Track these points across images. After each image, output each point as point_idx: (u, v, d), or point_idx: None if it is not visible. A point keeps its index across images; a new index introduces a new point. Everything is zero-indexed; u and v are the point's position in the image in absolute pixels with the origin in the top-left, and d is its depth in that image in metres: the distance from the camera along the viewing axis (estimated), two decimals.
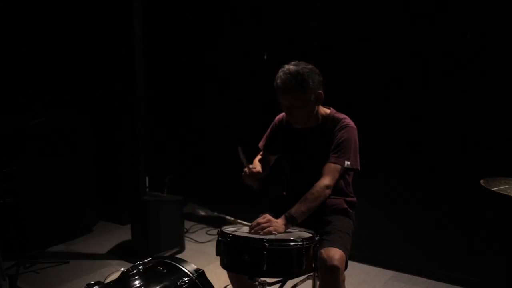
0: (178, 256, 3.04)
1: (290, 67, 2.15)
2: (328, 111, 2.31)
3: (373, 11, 3.33)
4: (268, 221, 2.04)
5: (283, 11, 3.75)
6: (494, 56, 2.94)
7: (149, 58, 4.07)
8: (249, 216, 2.21)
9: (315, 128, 2.29)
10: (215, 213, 2.24)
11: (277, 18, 3.78)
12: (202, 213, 2.34)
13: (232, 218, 2.21)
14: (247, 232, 2.04)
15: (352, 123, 2.25)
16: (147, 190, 3.87)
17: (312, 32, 3.59)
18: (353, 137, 2.22)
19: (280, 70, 2.16)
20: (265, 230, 2.00)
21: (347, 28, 3.45)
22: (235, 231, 2.07)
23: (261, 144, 2.53)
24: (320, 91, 2.19)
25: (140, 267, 1.86)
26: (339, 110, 2.34)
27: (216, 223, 2.16)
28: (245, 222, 2.13)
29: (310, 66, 2.17)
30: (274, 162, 2.55)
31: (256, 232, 2.01)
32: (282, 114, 2.43)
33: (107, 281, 1.85)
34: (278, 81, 2.15)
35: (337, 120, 2.25)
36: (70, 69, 4.21)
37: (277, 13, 3.78)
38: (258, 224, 2.04)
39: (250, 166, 2.26)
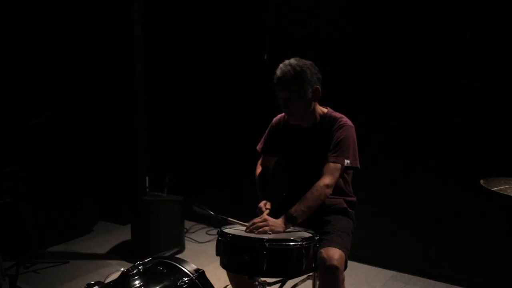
0: (178, 256, 3.04)
1: (291, 61, 2.20)
2: (325, 110, 2.32)
3: (374, 11, 3.33)
4: (265, 220, 2.04)
5: (283, 11, 3.75)
6: (495, 55, 2.94)
7: (150, 57, 4.07)
8: (250, 216, 2.21)
9: (312, 127, 2.29)
10: (218, 216, 2.22)
11: (277, 18, 3.78)
12: (207, 211, 2.33)
13: (232, 220, 2.20)
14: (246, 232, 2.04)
15: (349, 122, 2.26)
16: (147, 190, 3.87)
17: (312, 32, 3.59)
18: (351, 135, 2.22)
19: (281, 64, 2.21)
20: (260, 230, 2.00)
21: (347, 28, 3.45)
22: (235, 231, 2.07)
23: (259, 147, 2.53)
24: (317, 87, 2.21)
25: (140, 267, 1.86)
26: (339, 109, 2.35)
27: (216, 223, 2.16)
28: (245, 224, 2.12)
29: (310, 62, 2.22)
30: (274, 164, 2.55)
31: (251, 232, 2.01)
32: (280, 116, 2.44)
33: (107, 281, 1.84)
34: (278, 72, 2.19)
35: (334, 119, 2.26)
36: (71, 69, 4.21)
37: (277, 13, 3.77)
38: (254, 223, 2.04)
39: (265, 208, 2.27)
